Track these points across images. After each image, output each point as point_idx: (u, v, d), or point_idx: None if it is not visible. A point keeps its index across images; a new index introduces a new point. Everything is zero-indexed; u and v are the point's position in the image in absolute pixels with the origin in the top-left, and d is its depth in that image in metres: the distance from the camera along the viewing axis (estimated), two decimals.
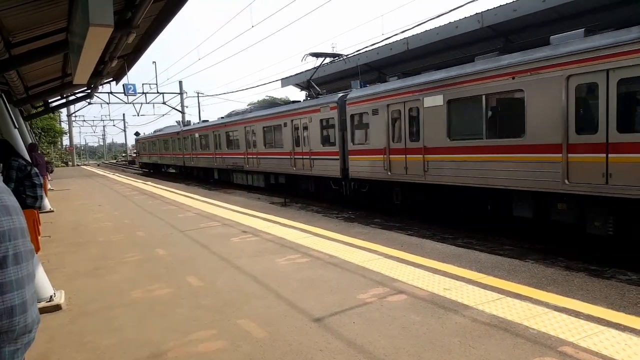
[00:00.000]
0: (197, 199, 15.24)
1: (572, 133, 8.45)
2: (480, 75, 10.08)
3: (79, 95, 21.99)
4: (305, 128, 17.18)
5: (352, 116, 14.59)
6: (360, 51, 19.12)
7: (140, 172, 46.61)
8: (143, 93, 40.12)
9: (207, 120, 30.22)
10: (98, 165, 73.02)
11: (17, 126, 12.63)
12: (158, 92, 41.49)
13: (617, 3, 12.50)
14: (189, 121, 40.22)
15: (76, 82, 11.14)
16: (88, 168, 53.51)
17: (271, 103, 24.24)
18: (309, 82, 19.29)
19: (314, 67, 18.66)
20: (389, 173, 13.08)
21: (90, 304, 5.16)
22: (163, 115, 74.59)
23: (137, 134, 54.07)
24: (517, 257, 7.82)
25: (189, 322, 4.44)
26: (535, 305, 4.40)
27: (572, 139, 8.44)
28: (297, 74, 27.31)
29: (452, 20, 16.82)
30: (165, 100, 42.99)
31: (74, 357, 3.84)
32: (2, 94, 12.41)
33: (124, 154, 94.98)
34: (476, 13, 15.60)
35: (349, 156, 14.85)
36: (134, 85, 34.96)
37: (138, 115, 50.88)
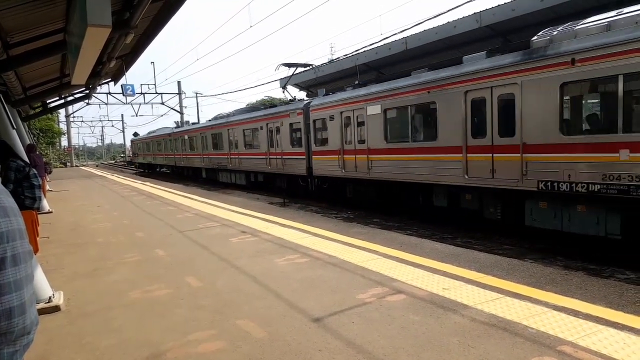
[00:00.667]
0: (195, 200, 15.24)
1: (469, 137, 10.50)
2: (406, 89, 12.25)
3: (77, 95, 21.97)
4: (278, 131, 19.07)
5: (314, 121, 16.60)
6: (359, 51, 19.14)
7: (135, 171, 48.04)
8: (141, 93, 40.15)
9: (197, 122, 32.47)
10: (97, 165, 72.98)
11: (15, 127, 12.62)
12: (156, 93, 41.53)
13: (614, 2, 12.51)
14: (188, 121, 40.27)
15: (74, 83, 11.13)
16: (86, 169, 53.48)
17: (252, 107, 25.98)
18: (284, 89, 21.68)
19: (287, 76, 21.38)
20: (343, 171, 15.12)
21: (89, 305, 5.15)
22: (162, 115, 74.43)
23: (135, 134, 54.05)
24: (516, 256, 7.84)
25: (189, 323, 4.43)
26: (534, 305, 4.41)
27: (469, 142, 10.49)
28: (296, 74, 27.30)
29: (450, 20, 16.83)
30: (163, 101, 43.00)
31: (73, 358, 3.84)
32: (0, 95, 12.39)
33: (122, 155, 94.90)
34: (474, 13, 15.62)
35: (313, 156, 16.87)
36: (132, 85, 34.98)
37: (137, 116, 51.03)
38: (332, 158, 15.62)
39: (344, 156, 14.97)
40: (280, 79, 28.67)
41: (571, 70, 8.51)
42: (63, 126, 61.76)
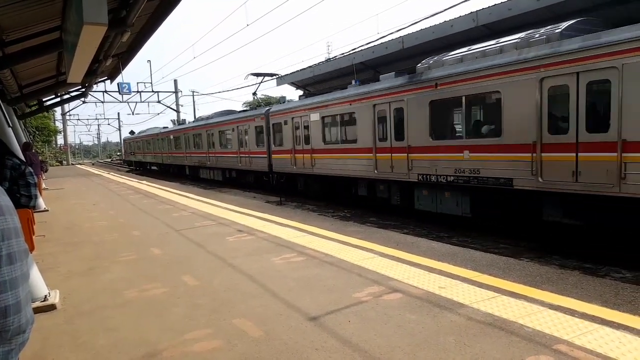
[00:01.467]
0: (192, 198, 15.22)
1: (376, 140, 13.53)
2: (336, 101, 15.36)
3: (73, 94, 21.91)
4: (246, 133, 22.15)
5: (273, 125, 19.70)
6: (356, 50, 19.11)
7: (128, 169, 49.93)
8: (138, 92, 40.02)
9: (184, 122, 35.81)
10: (93, 164, 72.73)
11: (11, 125, 12.57)
12: (153, 91, 41.40)
13: (610, 2, 12.54)
14: (184, 120, 40.26)
15: (70, 81, 11.10)
16: (83, 167, 53.32)
17: (227, 111, 27.96)
18: (254, 95, 25.36)
19: (257, 83, 23.92)
20: (295, 167, 18.11)
21: (85, 304, 5.14)
22: (158, 114, 74.02)
23: (132, 132, 53.91)
24: (512, 255, 7.86)
25: (185, 322, 4.43)
26: (530, 304, 4.42)
27: (377, 145, 13.45)
28: (292, 73, 27.26)
29: (447, 19, 16.81)
30: (160, 99, 42.89)
31: (68, 357, 3.83)
32: None
33: (118, 153, 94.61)
34: (471, 12, 15.61)
35: (272, 155, 19.82)
36: (128, 84, 34.80)
37: (133, 114, 50.85)
38: (286, 157, 18.65)
39: (295, 155, 17.94)
40: (277, 78, 28.67)
41: (435, 92, 11.31)
42: (59, 124, 61.54)
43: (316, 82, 25.40)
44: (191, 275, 6.01)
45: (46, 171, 26.65)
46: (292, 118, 17.99)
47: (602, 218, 8.40)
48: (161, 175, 34.95)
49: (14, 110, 18.62)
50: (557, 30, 9.17)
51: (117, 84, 33.82)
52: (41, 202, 13.73)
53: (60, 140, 66.71)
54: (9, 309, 1.37)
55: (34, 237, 6.85)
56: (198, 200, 14.64)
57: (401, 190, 13.14)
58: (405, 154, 12.28)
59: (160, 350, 3.82)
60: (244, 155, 22.57)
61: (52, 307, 4.99)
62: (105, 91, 38.34)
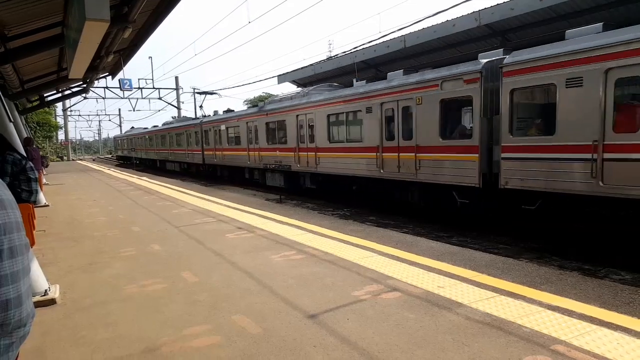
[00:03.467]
0: (192, 195, 15.23)
1: (299, 143, 17.62)
2: (280, 110, 19.09)
3: (74, 89, 21.95)
4: (190, 136, 30.30)
5: (205, 132, 27.72)
6: (357, 48, 19.11)
7: (117, 162, 56.63)
8: (139, 88, 40.00)
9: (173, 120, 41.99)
10: (93, 160, 72.78)
11: (12, 120, 12.58)
12: (154, 87, 41.35)
13: (613, 2, 12.53)
14: (184, 117, 40.36)
15: (72, 77, 11.11)
16: (83, 163, 53.34)
17: (185, 117, 38.54)
18: (201, 107, 33.31)
19: (202, 97, 33.44)
20: (248, 162, 22.32)
21: (84, 299, 5.15)
22: (159, 110, 74.19)
23: (132, 128, 53.93)
24: (511, 255, 7.86)
25: (184, 318, 4.44)
26: (529, 304, 4.43)
27: (299, 145, 17.63)
28: (293, 71, 27.29)
29: (449, 19, 16.81)
30: (161, 96, 42.86)
31: (68, 351, 3.84)
32: None
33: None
34: (473, 11, 15.60)
35: (205, 152, 27.93)
36: (130, 80, 34.83)
37: (134, 110, 50.75)
38: (240, 154, 23.16)
39: (250, 152, 22.15)
40: (278, 76, 28.70)
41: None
42: (60, 120, 61.56)
43: (317, 80, 25.39)
44: (191, 272, 6.02)
45: (47, 166, 26.67)
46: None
47: None
48: (161, 172, 35.05)
49: (16, 105, 18.64)
50: None
51: (119, 80, 33.92)
52: (42, 197, 13.75)
53: (61, 135, 66.73)
54: (10, 302, 1.38)
55: (34, 231, 6.87)
56: (198, 197, 14.65)
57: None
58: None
59: (160, 346, 3.83)
60: (189, 152, 30.82)
61: (52, 301, 5.00)
62: (107, 87, 38.39)
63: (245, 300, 4.88)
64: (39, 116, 44.14)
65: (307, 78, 26.58)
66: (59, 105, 55.01)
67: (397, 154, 12.67)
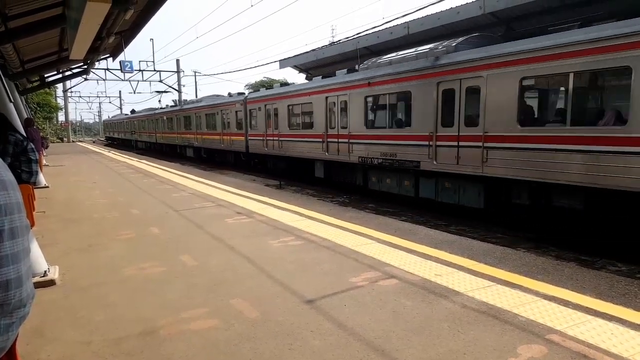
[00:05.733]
0: (192, 179, 15.23)
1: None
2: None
3: (75, 70, 21.84)
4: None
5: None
6: (361, 34, 18.96)
7: (107, 143, 65.21)
8: (140, 70, 39.72)
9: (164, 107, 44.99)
10: (93, 142, 72.61)
11: (12, 100, 12.54)
12: (155, 70, 41.10)
13: None
14: (186, 100, 40.17)
15: (73, 58, 11.05)
16: (83, 144, 53.24)
17: (151, 108, 45.51)
18: (159, 102, 37.70)
19: (162, 92, 39.43)
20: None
21: (83, 280, 5.18)
22: (160, 92, 73.63)
23: (132, 111, 53.78)
24: (509, 245, 7.89)
25: (182, 300, 4.47)
26: (525, 293, 4.46)
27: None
28: (295, 56, 27.08)
29: (453, 6, 16.65)
30: (162, 79, 42.61)
31: (67, 331, 3.87)
32: None
33: None
34: None
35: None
36: (131, 62, 34.68)
37: (134, 93, 50.61)
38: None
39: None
40: (280, 60, 28.51)
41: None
42: (60, 101, 61.28)
43: (319, 66, 25.24)
44: (189, 255, 6.05)
45: (47, 147, 26.63)
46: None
47: None
48: (161, 155, 34.94)
49: (16, 86, 18.55)
50: None
51: (120, 61, 33.74)
52: (42, 179, 13.75)
53: (61, 117, 66.50)
54: (10, 283, 1.39)
55: (34, 213, 6.89)
56: (197, 181, 14.65)
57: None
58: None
59: (158, 328, 3.87)
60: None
61: (51, 282, 5.03)
62: (108, 69, 38.10)
63: (243, 284, 4.91)
64: (39, 97, 43.92)
65: (309, 63, 26.41)
66: (60, 86, 54.79)
67: None
